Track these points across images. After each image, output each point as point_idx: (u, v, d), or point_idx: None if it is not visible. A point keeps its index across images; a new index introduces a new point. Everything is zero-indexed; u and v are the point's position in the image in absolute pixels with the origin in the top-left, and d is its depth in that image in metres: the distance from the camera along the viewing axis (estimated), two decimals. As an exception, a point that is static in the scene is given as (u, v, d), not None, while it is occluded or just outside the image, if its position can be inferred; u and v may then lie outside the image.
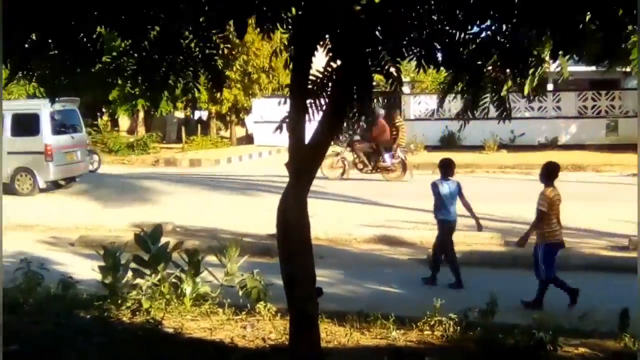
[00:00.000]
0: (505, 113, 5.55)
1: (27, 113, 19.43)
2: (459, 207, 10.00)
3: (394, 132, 21.65)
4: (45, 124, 19.11)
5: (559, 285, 8.66)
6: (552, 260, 8.75)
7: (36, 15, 4.35)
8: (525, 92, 5.60)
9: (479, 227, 10.05)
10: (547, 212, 8.68)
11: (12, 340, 6.62)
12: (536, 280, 8.76)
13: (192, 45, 5.10)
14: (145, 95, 5.71)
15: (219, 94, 31.07)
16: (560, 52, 4.74)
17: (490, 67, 5.17)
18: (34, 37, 4.82)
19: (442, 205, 9.91)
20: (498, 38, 4.83)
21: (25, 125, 19.04)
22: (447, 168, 10.04)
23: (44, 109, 19.01)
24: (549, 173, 8.91)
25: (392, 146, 21.42)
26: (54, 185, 20.14)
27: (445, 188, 9.87)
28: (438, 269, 9.97)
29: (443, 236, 10.00)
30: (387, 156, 21.31)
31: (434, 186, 9.99)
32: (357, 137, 21.91)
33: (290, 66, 5.11)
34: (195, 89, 5.49)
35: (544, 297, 8.65)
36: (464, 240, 11.91)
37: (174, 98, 26.86)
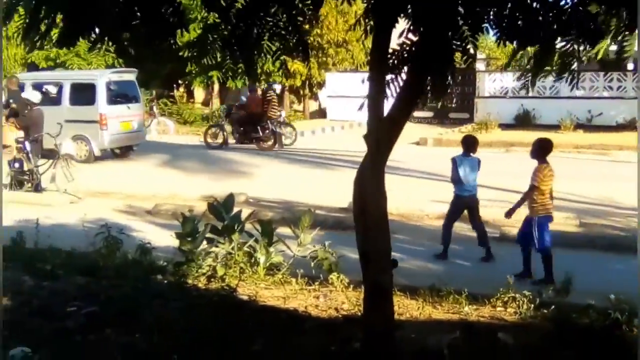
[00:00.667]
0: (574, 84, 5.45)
1: (85, 83, 20.08)
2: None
3: (266, 105, 23.05)
4: (101, 94, 19.62)
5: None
6: (545, 232, 8.86)
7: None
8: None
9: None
10: (540, 187, 8.82)
11: (91, 302, 6.86)
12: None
13: (279, 14, 5.12)
14: (222, 67, 5.74)
15: (292, 67, 31.21)
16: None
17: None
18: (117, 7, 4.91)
19: (458, 181, 10.07)
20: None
21: (83, 94, 19.69)
22: (469, 145, 10.22)
23: (100, 79, 19.58)
24: (542, 150, 8.99)
25: (264, 118, 22.86)
26: (112, 154, 20.65)
27: (466, 163, 10.04)
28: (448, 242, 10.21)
29: (451, 208, 10.23)
30: (259, 128, 22.82)
31: (453, 161, 10.15)
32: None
33: (370, 39, 5.11)
34: (286, 57, 5.51)
35: (552, 270, 8.65)
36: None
37: (248, 72, 26.94)
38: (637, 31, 4.36)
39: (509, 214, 9.25)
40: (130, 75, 20.90)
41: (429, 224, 12.52)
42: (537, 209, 8.93)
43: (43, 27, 4.45)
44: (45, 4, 4.32)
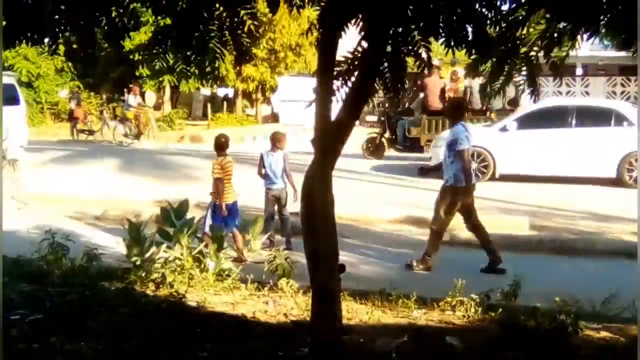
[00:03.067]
0: (535, 95, 5.46)
1: None
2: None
3: None
4: None
5: None
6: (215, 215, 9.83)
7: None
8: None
9: (296, 198, 10.35)
10: (222, 177, 9.95)
11: (37, 309, 6.73)
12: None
13: (222, 18, 5.11)
14: (174, 70, 5.71)
15: (244, 72, 31.11)
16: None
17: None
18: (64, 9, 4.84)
19: (266, 175, 10.94)
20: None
21: None
22: (275, 141, 11.10)
23: None
24: (218, 145, 10.37)
25: None
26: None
27: (271, 158, 10.92)
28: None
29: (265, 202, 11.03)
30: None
31: (260, 157, 11.12)
32: None
33: (318, 45, 5.10)
34: (220, 63, 5.49)
35: None
36: (489, 224, 11.90)
37: (201, 74, 26.86)
38: (637, 33, 4.39)
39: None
40: (9, 78, 20.04)
41: (381, 227, 12.56)
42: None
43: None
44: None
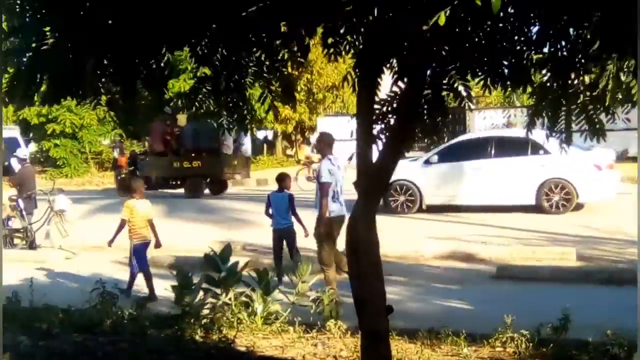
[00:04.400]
0: (600, 132, 5.35)
1: None
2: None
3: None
4: None
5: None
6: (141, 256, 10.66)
7: (110, 43, 4.48)
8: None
9: (306, 234, 11.09)
10: (127, 219, 10.69)
11: (89, 359, 6.82)
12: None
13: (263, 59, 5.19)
14: (214, 116, 5.82)
15: (283, 114, 31.34)
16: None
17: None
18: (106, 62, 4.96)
19: (272, 215, 11.26)
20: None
21: None
22: (280, 182, 11.51)
23: None
24: (132, 188, 11.40)
25: None
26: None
27: (277, 199, 11.25)
28: None
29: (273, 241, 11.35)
30: None
31: (267, 197, 11.50)
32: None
33: (356, 90, 5.17)
34: (258, 106, 5.57)
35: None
36: (534, 256, 11.85)
37: (240, 120, 27.17)
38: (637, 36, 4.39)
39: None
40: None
41: (426, 263, 12.53)
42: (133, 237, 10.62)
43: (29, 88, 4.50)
44: (31, 66, 4.37)
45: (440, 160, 17.84)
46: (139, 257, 10.65)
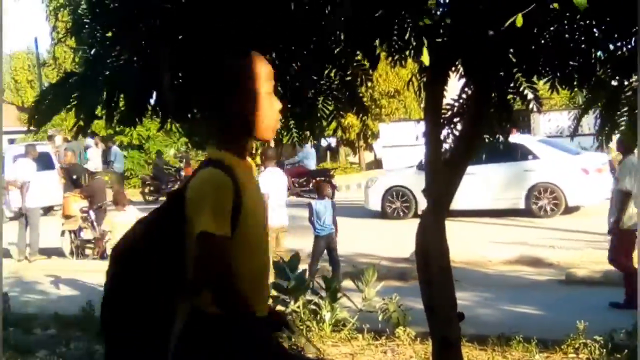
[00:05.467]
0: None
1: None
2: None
3: None
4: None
5: None
6: None
7: (182, 59, 4.54)
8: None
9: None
10: None
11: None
12: None
13: (332, 75, 5.19)
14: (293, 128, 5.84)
15: (345, 121, 31.37)
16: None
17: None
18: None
19: (314, 222, 11.54)
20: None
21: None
22: (320, 191, 12.13)
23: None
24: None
25: None
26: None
27: (319, 206, 11.50)
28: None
29: (313, 248, 11.63)
30: None
31: (309, 206, 11.85)
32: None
33: (422, 94, 5.16)
34: (339, 117, 5.58)
35: None
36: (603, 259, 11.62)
37: (310, 131, 27.38)
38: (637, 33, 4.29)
39: None
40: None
41: (493, 268, 12.41)
42: None
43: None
44: (107, 86, 4.45)
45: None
46: None
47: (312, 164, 26.24)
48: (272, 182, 10.96)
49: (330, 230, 11.54)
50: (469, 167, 16.27)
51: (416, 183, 17.55)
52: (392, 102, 33.81)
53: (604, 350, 6.71)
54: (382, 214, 19.00)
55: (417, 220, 5.28)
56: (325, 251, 11.58)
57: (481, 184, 17.12)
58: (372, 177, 21.08)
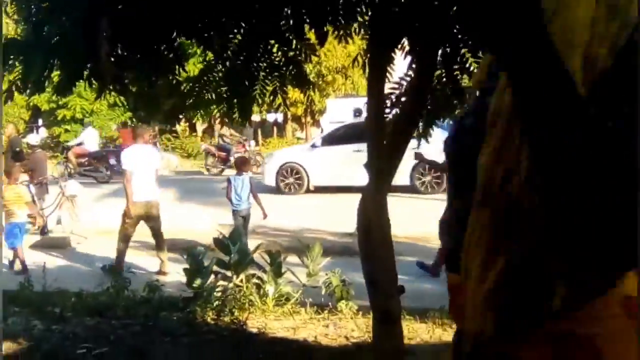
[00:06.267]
0: None
1: None
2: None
3: None
4: None
5: None
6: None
7: (121, 30, 4.46)
8: None
9: (265, 215, 12.10)
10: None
11: (101, 343, 6.86)
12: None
13: (275, 50, 5.15)
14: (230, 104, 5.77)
15: (292, 96, 31.26)
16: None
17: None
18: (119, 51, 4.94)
19: (232, 197, 11.89)
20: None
21: None
22: (239, 165, 12.53)
23: None
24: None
25: None
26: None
27: (237, 182, 11.88)
28: None
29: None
30: None
31: (228, 181, 12.21)
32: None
33: (367, 70, 5.15)
34: (282, 94, 5.54)
35: None
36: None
37: (246, 108, 27.30)
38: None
39: None
40: None
41: (437, 243, 12.49)
42: None
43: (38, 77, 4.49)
44: (45, 52, 4.36)
45: (325, 143, 19.89)
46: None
47: (93, 145, 26.26)
48: (137, 158, 11.25)
49: (247, 205, 11.88)
50: (357, 145, 17.20)
51: (308, 160, 19.26)
52: (338, 78, 33.78)
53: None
54: (277, 189, 19.68)
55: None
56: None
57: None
58: (269, 153, 22.77)
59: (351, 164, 18.16)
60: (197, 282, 8.11)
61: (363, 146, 15.23)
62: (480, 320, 1.89)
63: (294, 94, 30.62)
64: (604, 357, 1.71)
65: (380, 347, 5.30)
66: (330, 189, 18.77)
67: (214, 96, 5.81)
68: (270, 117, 42.09)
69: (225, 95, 5.62)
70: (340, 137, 19.76)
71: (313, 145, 20.28)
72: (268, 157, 21.63)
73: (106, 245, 12.86)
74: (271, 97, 5.50)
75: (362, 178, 16.40)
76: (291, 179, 19.82)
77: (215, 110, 25.02)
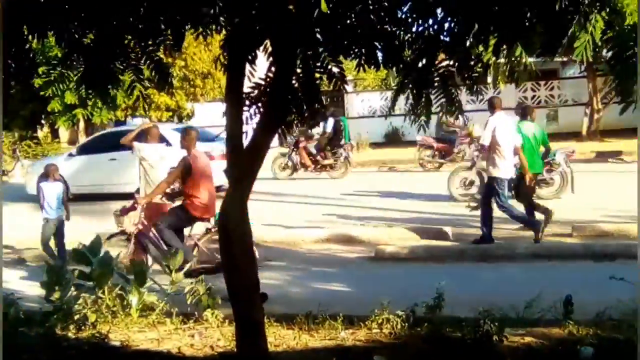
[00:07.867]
0: (456, 109, 5.39)
1: None
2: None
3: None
4: None
5: None
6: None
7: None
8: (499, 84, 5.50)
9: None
10: None
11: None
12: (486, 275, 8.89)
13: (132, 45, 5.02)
14: (87, 104, 5.58)
15: (159, 100, 30.73)
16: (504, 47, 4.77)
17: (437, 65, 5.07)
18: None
19: (43, 206, 11.82)
20: (441, 37, 4.79)
21: None
22: (49, 172, 11.97)
23: None
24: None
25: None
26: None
27: (47, 189, 11.83)
28: None
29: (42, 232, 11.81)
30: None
31: (38, 187, 12.17)
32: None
33: (226, 72, 5.06)
34: (142, 87, 5.39)
35: None
36: (410, 236, 12.06)
37: (114, 106, 26.70)
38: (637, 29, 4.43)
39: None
40: None
41: (305, 247, 12.51)
42: None
43: None
44: None
45: (81, 153, 19.94)
46: None
47: None
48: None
49: (58, 214, 11.77)
50: (112, 154, 18.10)
51: (66, 169, 17.83)
52: (207, 82, 33.45)
53: (406, 324, 6.90)
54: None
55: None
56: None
57: (123, 169, 18.17)
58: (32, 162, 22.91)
59: (106, 172, 18.98)
60: (57, 295, 7.77)
61: (118, 154, 16.96)
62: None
63: (160, 97, 30.27)
64: None
65: (243, 356, 5.23)
66: (88, 196, 18.66)
67: (76, 99, 5.65)
68: (137, 122, 41.19)
69: (84, 96, 5.46)
70: (96, 146, 19.81)
71: (70, 155, 20.23)
72: (31, 166, 21.36)
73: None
74: (129, 92, 5.35)
75: (117, 185, 16.98)
76: None
77: (79, 114, 23.96)
